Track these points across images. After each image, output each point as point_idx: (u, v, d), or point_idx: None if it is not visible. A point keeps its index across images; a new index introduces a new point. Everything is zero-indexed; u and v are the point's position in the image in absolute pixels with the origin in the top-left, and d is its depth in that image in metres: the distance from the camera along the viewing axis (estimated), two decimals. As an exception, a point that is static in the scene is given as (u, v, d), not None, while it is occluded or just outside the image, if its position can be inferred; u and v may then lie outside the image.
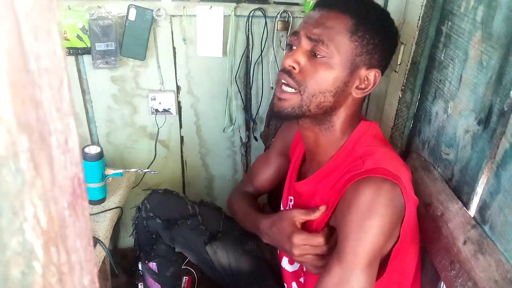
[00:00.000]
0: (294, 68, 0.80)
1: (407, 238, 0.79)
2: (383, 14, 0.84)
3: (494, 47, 0.78)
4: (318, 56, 0.79)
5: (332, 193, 0.82)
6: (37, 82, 0.15)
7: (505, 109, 0.74)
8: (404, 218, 0.77)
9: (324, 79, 0.79)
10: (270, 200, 1.53)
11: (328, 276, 0.75)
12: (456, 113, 0.90)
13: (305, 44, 0.80)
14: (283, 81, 0.82)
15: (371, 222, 0.73)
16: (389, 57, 0.85)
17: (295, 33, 0.82)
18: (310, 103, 0.81)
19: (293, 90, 0.81)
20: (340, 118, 0.84)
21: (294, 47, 0.82)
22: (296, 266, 0.99)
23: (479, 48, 0.83)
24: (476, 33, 0.84)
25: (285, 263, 1.02)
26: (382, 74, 0.83)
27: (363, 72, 0.81)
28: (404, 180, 0.77)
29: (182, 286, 1.55)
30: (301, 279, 0.99)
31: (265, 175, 1.13)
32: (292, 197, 0.99)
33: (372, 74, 0.81)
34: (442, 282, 0.89)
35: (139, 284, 1.50)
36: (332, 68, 0.79)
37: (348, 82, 0.80)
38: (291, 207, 0.99)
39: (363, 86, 0.82)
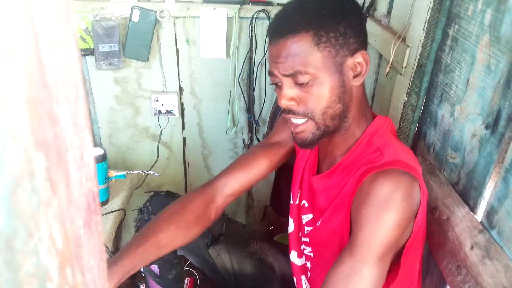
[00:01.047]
0: (292, 105, 0.81)
1: (419, 234, 0.79)
2: (331, 1, 0.80)
3: (502, 51, 0.77)
4: (304, 83, 0.79)
5: (349, 185, 0.82)
6: (54, 96, 0.14)
7: (514, 113, 0.73)
8: (418, 213, 0.76)
9: (323, 96, 0.79)
10: (273, 202, 1.53)
11: (339, 267, 0.74)
12: (463, 116, 0.89)
13: (286, 81, 0.80)
14: (291, 118, 0.83)
15: (388, 215, 0.72)
16: (363, 30, 0.84)
17: (271, 74, 0.82)
18: (324, 120, 0.81)
19: (304, 119, 0.82)
20: (353, 112, 0.85)
21: (278, 83, 0.82)
22: (303, 259, 0.99)
23: (486, 51, 0.82)
24: (484, 36, 0.83)
25: (293, 256, 1.02)
26: (366, 48, 0.83)
27: (350, 62, 0.80)
28: (420, 174, 0.76)
29: (184, 288, 1.54)
30: (308, 272, 0.98)
31: (243, 177, 0.99)
32: (300, 191, 0.98)
33: (360, 57, 0.81)
34: (448, 287, 0.88)
35: (141, 286, 1.49)
36: (322, 83, 0.78)
37: (344, 81, 0.80)
38: (297, 200, 0.98)
39: (358, 71, 0.82)
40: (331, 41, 0.77)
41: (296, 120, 0.82)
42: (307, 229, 0.94)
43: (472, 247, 0.79)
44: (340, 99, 0.81)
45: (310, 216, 0.93)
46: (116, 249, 1.71)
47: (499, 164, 0.78)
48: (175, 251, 1.16)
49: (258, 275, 1.12)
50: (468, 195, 0.87)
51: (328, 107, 0.80)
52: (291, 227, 1.02)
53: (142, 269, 1.23)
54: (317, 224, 0.89)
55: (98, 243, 0.20)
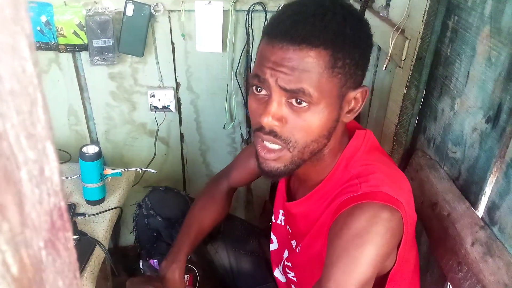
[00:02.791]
0: (277, 126, 0.67)
1: (407, 260, 0.75)
2: (357, 22, 0.70)
3: (503, 43, 0.75)
4: (301, 104, 0.66)
5: (326, 214, 0.75)
6: (-1, 109, 0.12)
7: (515, 107, 0.71)
8: (401, 243, 0.70)
9: (315, 127, 0.68)
10: (273, 197, 1.51)
11: None
12: (463, 110, 0.88)
13: (280, 95, 0.66)
14: (265, 141, 0.70)
15: (362, 251, 0.65)
16: (368, 62, 0.75)
17: (259, 78, 0.67)
18: (302, 154, 0.70)
19: (279, 147, 0.70)
20: (330, 145, 0.75)
21: (263, 91, 0.69)
22: (286, 279, 0.97)
23: (487, 43, 0.80)
24: (484, 28, 0.81)
25: (277, 273, 1.01)
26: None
27: (350, 95, 0.71)
28: (404, 202, 0.69)
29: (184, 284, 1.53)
30: None
31: (245, 170, 1.03)
32: (283, 211, 0.94)
33: (359, 93, 0.72)
34: (449, 283, 0.87)
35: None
36: (319, 113, 0.67)
37: (339, 115, 0.71)
38: (283, 222, 0.95)
39: (351, 107, 0.73)
40: (345, 68, 0.66)
41: (270, 145, 0.70)
42: (289, 253, 0.91)
43: (473, 244, 0.78)
44: (329, 134, 0.71)
45: (294, 242, 0.89)
46: (115, 247, 1.70)
47: (501, 159, 0.76)
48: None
49: (256, 273, 1.11)
50: (469, 191, 0.85)
51: (314, 141, 0.69)
52: (275, 245, 1.00)
53: (141, 265, 1.23)
54: (297, 250, 0.85)
55: (69, 261, 0.19)
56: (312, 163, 0.75)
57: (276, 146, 0.70)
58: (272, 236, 1.01)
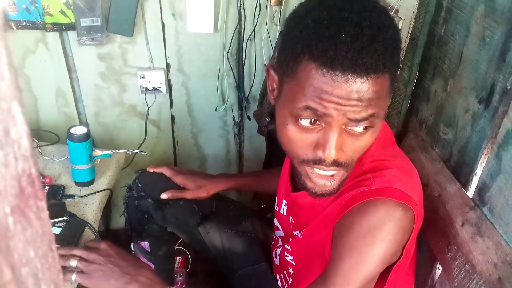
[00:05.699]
0: (340, 156, 0.63)
1: (410, 255, 0.75)
2: (398, 31, 0.64)
3: (498, 22, 0.74)
4: (366, 129, 0.63)
5: (334, 206, 0.73)
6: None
7: (508, 87, 0.71)
8: (409, 240, 0.70)
9: (370, 144, 0.66)
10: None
11: None
12: (456, 91, 0.87)
13: (342, 123, 0.61)
14: (322, 171, 0.66)
15: (373, 248, 0.65)
16: None
17: (316, 112, 0.60)
18: (352, 166, 0.68)
19: (336, 172, 0.66)
20: None
21: (317, 122, 0.62)
22: (278, 260, 0.97)
23: (481, 23, 0.79)
24: (479, 7, 0.80)
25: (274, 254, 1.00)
26: None
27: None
28: (417, 199, 0.69)
29: (176, 266, 1.54)
30: (284, 273, 0.96)
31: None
32: (286, 202, 0.93)
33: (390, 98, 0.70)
34: (439, 263, 0.88)
35: (133, 255, 1.48)
36: (376, 131, 0.65)
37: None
38: (285, 212, 0.94)
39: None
40: (395, 85, 0.65)
41: (330, 172, 0.66)
42: (291, 238, 0.90)
43: (463, 224, 0.78)
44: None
45: (297, 233, 0.88)
46: (106, 229, 1.70)
47: (492, 140, 0.76)
48: (165, 228, 1.15)
49: (248, 254, 1.11)
50: (460, 172, 0.86)
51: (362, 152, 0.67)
52: (281, 232, 0.99)
53: (132, 247, 1.22)
54: (300, 236, 0.84)
55: (42, 232, 0.18)
56: None
57: (334, 171, 0.66)
58: (277, 223, 1.01)
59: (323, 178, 0.66)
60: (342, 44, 0.56)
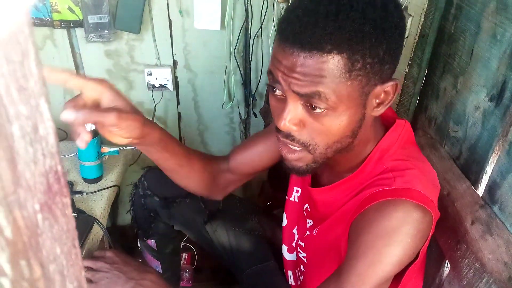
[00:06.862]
0: (294, 130, 0.65)
1: (423, 255, 0.74)
2: (381, 13, 0.60)
3: (509, 19, 0.73)
4: (315, 110, 0.63)
5: (352, 203, 0.73)
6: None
7: (520, 84, 0.70)
8: (426, 242, 0.69)
9: (335, 130, 0.64)
10: (270, 177, 1.51)
11: None
12: (466, 88, 0.86)
13: (295, 97, 0.63)
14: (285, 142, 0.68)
15: (390, 249, 0.64)
16: (401, 52, 0.68)
17: (273, 77, 0.64)
18: (326, 154, 0.68)
19: (299, 148, 0.68)
20: (359, 138, 0.70)
21: (278, 91, 0.66)
22: (294, 256, 0.97)
23: (492, 20, 0.78)
24: (490, 4, 0.79)
25: (284, 251, 1.00)
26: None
27: (378, 90, 0.65)
28: (435, 201, 0.68)
29: (182, 263, 1.54)
30: (297, 271, 0.96)
31: (250, 155, 0.96)
32: (299, 189, 0.93)
33: (389, 87, 0.65)
34: (447, 262, 0.87)
35: (138, 260, 1.49)
36: (339, 116, 0.63)
37: (364, 113, 0.66)
38: (297, 199, 0.93)
39: (381, 100, 0.67)
40: (366, 68, 0.60)
41: (291, 146, 0.68)
42: (307, 233, 0.89)
43: (472, 223, 0.78)
44: (353, 133, 0.67)
45: (311, 222, 0.87)
46: (113, 226, 1.70)
47: (503, 138, 0.75)
48: (172, 226, 1.15)
49: (256, 252, 1.11)
50: (469, 170, 0.85)
51: (336, 141, 0.66)
52: (285, 221, 0.99)
53: (139, 244, 1.23)
54: (314, 232, 0.84)
55: (67, 229, 0.18)
56: (341, 154, 0.71)
57: (296, 148, 0.68)
58: (283, 214, 1.01)
59: (285, 148, 0.69)
60: (295, 18, 0.60)
